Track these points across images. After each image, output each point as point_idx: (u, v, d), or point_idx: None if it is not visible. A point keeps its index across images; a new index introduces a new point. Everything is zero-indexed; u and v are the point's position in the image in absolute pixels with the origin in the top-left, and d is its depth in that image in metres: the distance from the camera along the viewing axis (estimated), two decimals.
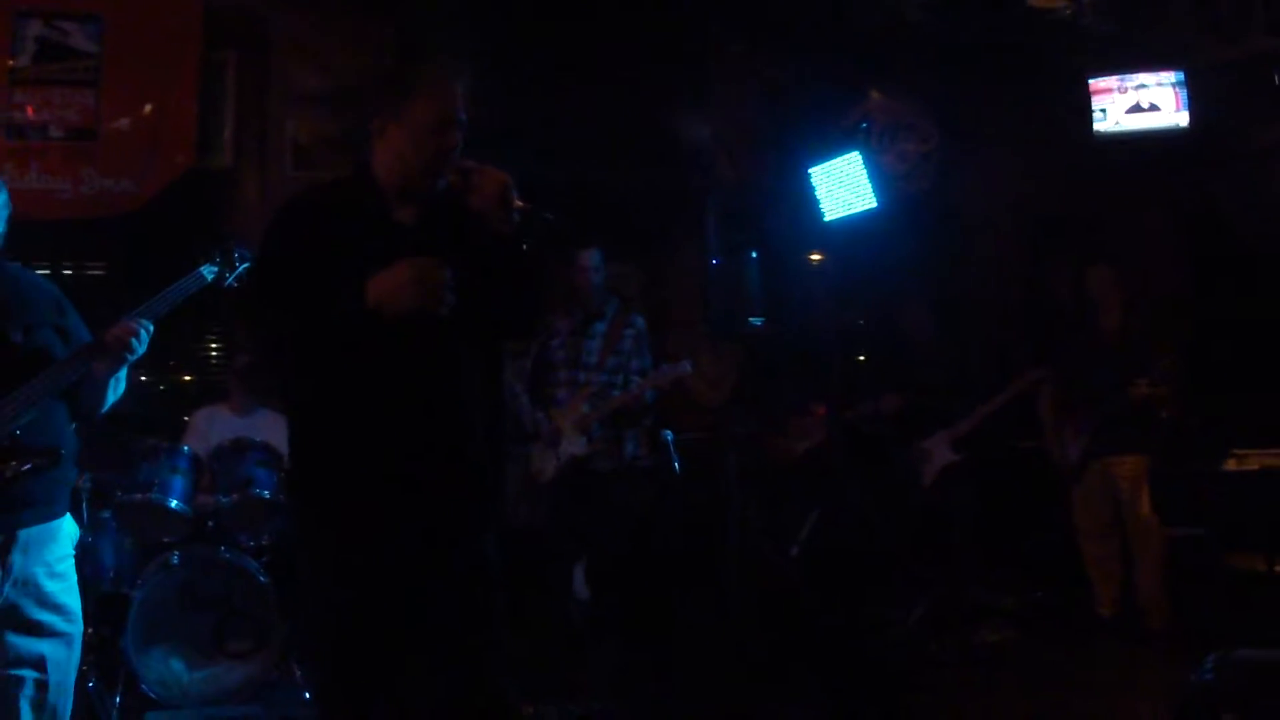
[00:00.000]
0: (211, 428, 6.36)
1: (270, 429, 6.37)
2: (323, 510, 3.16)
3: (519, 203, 3.13)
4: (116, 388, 3.60)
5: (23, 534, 3.36)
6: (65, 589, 3.52)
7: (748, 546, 6.12)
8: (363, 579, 3.06)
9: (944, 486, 7.04)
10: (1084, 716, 5.36)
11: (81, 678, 5.04)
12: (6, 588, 3.35)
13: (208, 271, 3.80)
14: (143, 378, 7.19)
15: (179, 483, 5.58)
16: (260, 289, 3.25)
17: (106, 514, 5.67)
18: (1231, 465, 7.06)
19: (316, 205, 3.27)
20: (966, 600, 6.78)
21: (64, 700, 3.53)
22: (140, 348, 3.43)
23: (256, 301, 3.22)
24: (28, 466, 3.29)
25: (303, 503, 3.25)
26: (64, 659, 3.51)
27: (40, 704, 3.46)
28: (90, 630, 5.44)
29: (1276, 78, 7.37)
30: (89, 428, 3.75)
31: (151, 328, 3.46)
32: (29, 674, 3.43)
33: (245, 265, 3.90)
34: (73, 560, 3.59)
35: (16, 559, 3.35)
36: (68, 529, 3.56)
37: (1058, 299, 8.90)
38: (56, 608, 3.47)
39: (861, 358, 8.17)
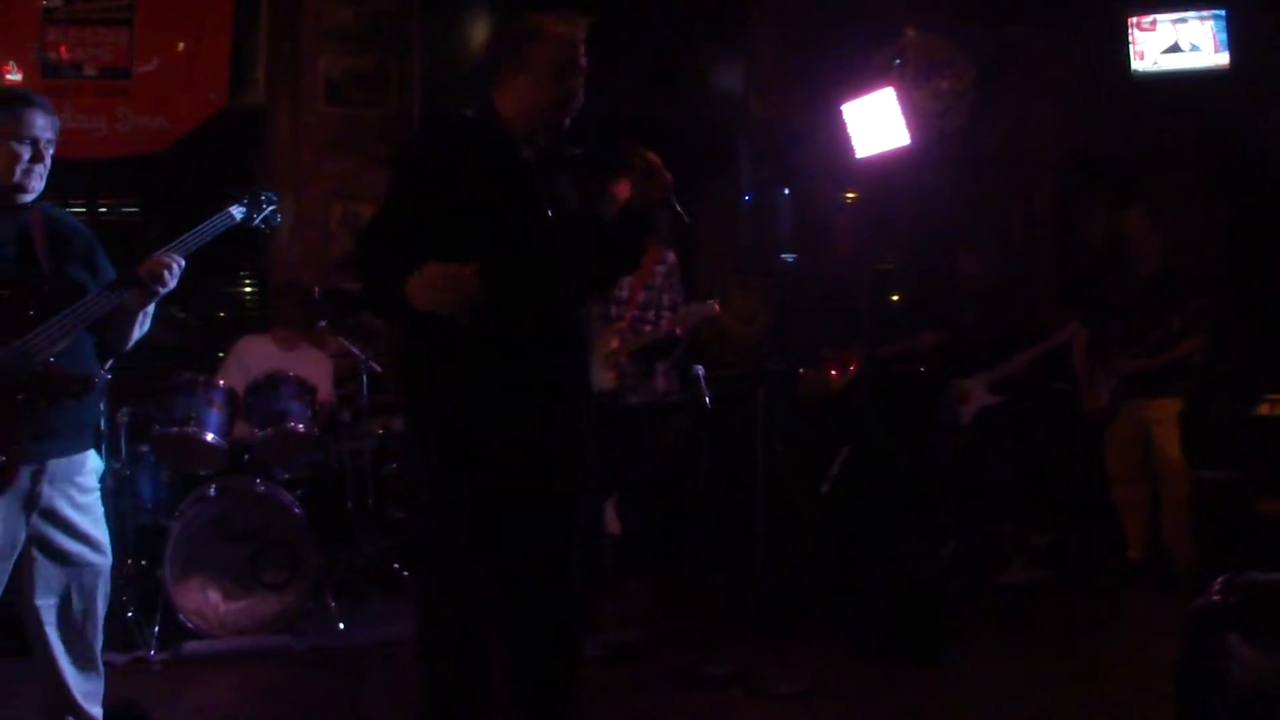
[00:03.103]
0: (253, 359, 6.42)
1: (309, 365, 6.43)
2: (442, 437, 3.33)
3: (677, 206, 3.38)
4: (143, 323, 3.65)
5: (51, 464, 3.42)
6: (92, 520, 3.59)
7: (778, 482, 6.14)
8: (479, 505, 3.27)
9: (980, 427, 7.03)
10: (1109, 657, 5.38)
11: (120, 607, 5.19)
12: (35, 517, 3.42)
13: (237, 211, 3.84)
14: (180, 315, 7.27)
15: (215, 416, 5.65)
16: (373, 239, 3.42)
17: (144, 447, 5.75)
18: (1264, 410, 7.02)
19: (448, 140, 3.43)
20: (996, 540, 6.80)
21: (94, 629, 3.60)
22: (172, 281, 3.47)
23: (369, 252, 3.40)
24: (64, 393, 3.36)
25: (421, 430, 3.44)
26: (93, 589, 3.57)
27: (71, 633, 3.53)
28: (129, 561, 5.57)
29: None
30: (120, 362, 3.81)
31: (183, 263, 3.50)
32: (60, 605, 3.50)
33: (271, 208, 3.96)
34: (99, 494, 3.66)
35: (44, 489, 3.42)
36: (92, 463, 3.62)
37: (1091, 240, 8.84)
38: (84, 537, 3.54)
39: (895, 296, 8.13)
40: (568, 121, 3.40)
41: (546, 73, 3.32)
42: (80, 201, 7.44)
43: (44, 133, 3.49)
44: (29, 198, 3.50)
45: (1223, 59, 7.65)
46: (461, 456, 3.28)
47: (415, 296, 3.06)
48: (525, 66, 3.34)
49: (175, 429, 5.55)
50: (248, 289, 7.89)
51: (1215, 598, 3.11)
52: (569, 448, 3.37)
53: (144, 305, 3.54)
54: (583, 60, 3.37)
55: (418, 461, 3.59)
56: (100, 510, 3.65)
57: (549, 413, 3.30)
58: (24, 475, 3.34)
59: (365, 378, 6.39)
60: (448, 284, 3.02)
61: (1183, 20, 7.75)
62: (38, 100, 3.53)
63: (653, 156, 3.38)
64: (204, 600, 5.44)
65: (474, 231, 3.22)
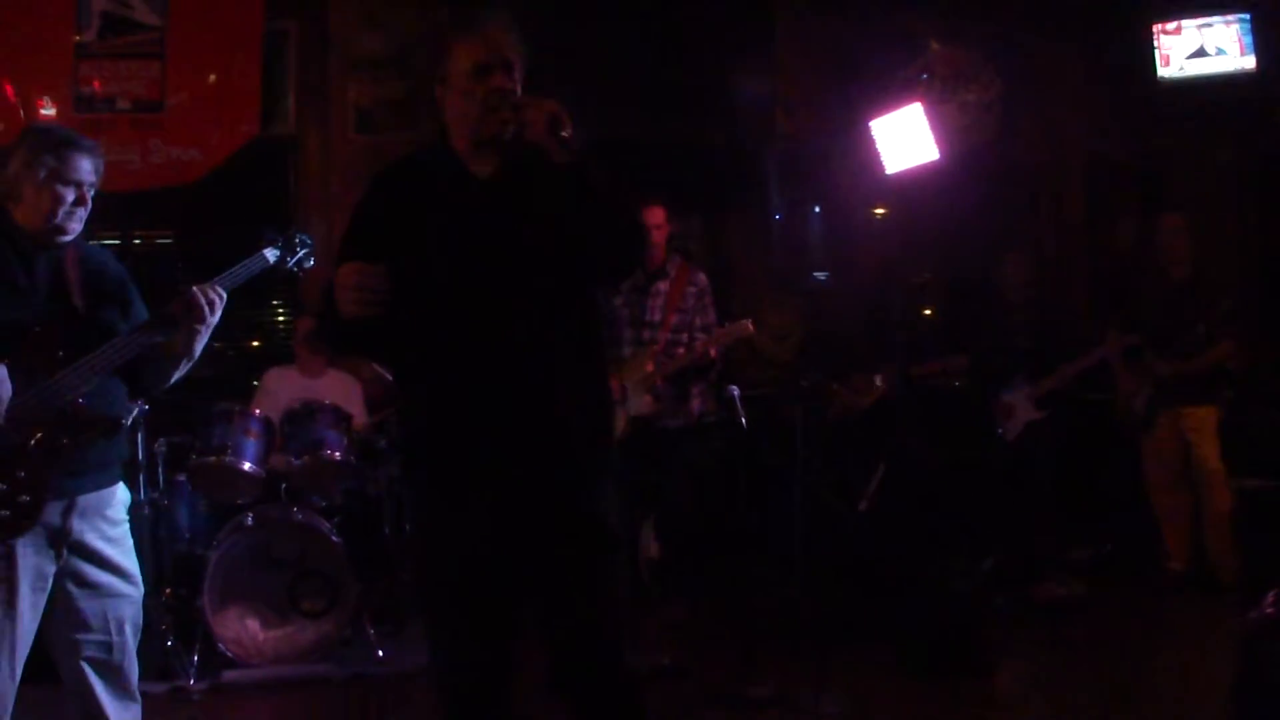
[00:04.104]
0: (281, 389, 6.46)
1: (339, 390, 6.47)
2: (427, 473, 3.20)
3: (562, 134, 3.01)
4: (188, 363, 3.64)
5: (80, 499, 3.44)
6: (123, 551, 3.59)
7: (815, 501, 6.12)
8: (467, 538, 3.09)
9: (1027, 443, 6.99)
10: (1154, 670, 5.34)
11: (160, 636, 5.22)
12: (65, 551, 3.44)
13: (270, 254, 3.84)
14: (215, 344, 7.30)
15: (251, 445, 5.67)
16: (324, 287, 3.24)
17: (181, 477, 5.78)
18: None
19: (399, 175, 3.31)
20: (1035, 554, 6.75)
21: (128, 661, 3.59)
22: (214, 315, 3.47)
23: (322, 298, 3.21)
24: (90, 434, 3.38)
25: (410, 466, 3.34)
26: (126, 620, 3.57)
27: (105, 665, 3.53)
28: (168, 590, 5.61)
29: None
30: (159, 397, 3.82)
31: (224, 295, 3.51)
32: (93, 637, 3.51)
33: (305, 250, 3.97)
34: (128, 526, 3.65)
35: (74, 523, 3.43)
36: (121, 495, 3.62)
37: (1122, 246, 8.80)
38: (115, 568, 3.54)
39: (927, 311, 8.11)
40: (511, 128, 3.10)
41: (465, 76, 3.10)
42: (114, 233, 7.51)
43: (89, 176, 3.49)
44: (67, 239, 3.52)
45: (1249, 62, 7.61)
46: (440, 491, 3.18)
47: (339, 305, 2.98)
48: (448, 77, 3.16)
49: (212, 458, 5.58)
50: (281, 318, 7.93)
51: (1269, 610, 3.09)
52: (562, 479, 3.13)
53: (190, 344, 3.54)
54: (503, 56, 3.11)
55: (409, 496, 3.51)
56: (130, 541, 3.65)
57: (522, 442, 3.08)
58: (53, 511, 3.35)
59: None
60: (354, 280, 2.95)
61: (1208, 25, 7.72)
62: (85, 144, 3.53)
63: (516, 100, 3.09)
64: (243, 629, 5.46)
65: (412, 263, 3.05)
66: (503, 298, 3.08)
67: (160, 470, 5.64)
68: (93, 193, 3.52)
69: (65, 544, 3.42)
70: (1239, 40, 7.60)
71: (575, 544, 3.13)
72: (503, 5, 3.24)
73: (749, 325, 6.02)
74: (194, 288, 3.45)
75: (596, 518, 3.17)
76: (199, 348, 3.59)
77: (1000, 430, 7.05)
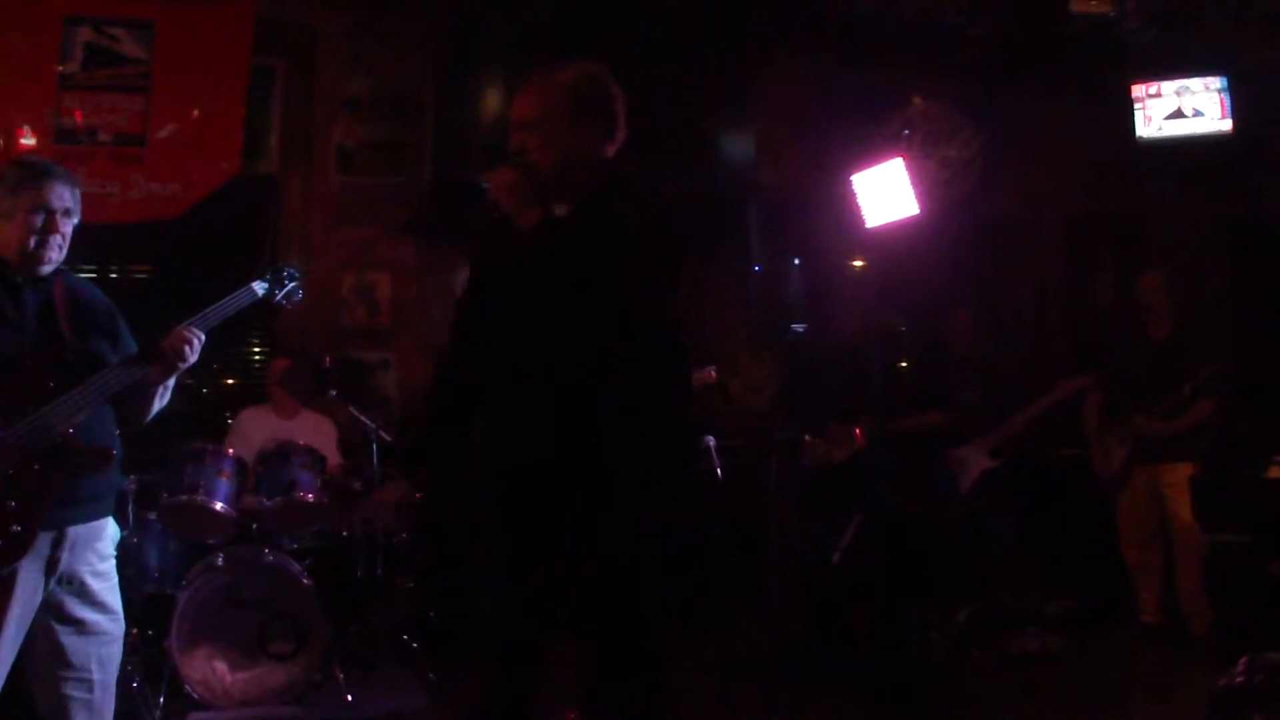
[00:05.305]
0: (254, 430, 6.42)
1: (313, 432, 6.44)
2: (483, 509, 3.29)
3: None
4: (163, 396, 3.67)
5: (71, 531, 3.42)
6: (109, 588, 3.58)
7: (790, 552, 6.11)
8: (513, 571, 3.19)
9: (982, 493, 7.01)
10: None
11: (126, 678, 5.13)
12: (53, 583, 3.41)
13: (259, 287, 3.86)
14: (188, 380, 7.27)
15: (224, 485, 5.63)
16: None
17: (152, 515, 5.73)
18: (1275, 473, 6.98)
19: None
20: (1008, 607, 6.75)
21: (108, 698, 3.58)
22: (193, 356, 3.50)
23: None
24: (82, 466, 3.36)
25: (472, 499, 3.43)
26: (108, 657, 3.56)
27: (86, 703, 3.50)
28: (134, 630, 5.52)
29: None
30: (133, 432, 3.81)
31: (203, 338, 3.52)
32: (75, 674, 3.47)
33: (293, 284, 3.99)
34: (114, 561, 3.65)
35: (64, 555, 3.41)
36: (111, 529, 3.63)
37: (1100, 304, 8.86)
38: (100, 605, 3.53)
39: (904, 364, 8.13)
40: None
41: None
42: (91, 266, 7.48)
43: (60, 202, 3.50)
44: (48, 268, 3.52)
45: (1226, 125, 7.70)
46: (495, 530, 3.25)
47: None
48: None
49: (184, 497, 5.53)
50: (257, 356, 7.89)
51: (1239, 679, 3.09)
52: (608, 522, 3.14)
53: (165, 379, 3.56)
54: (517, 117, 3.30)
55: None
56: (116, 578, 3.65)
57: (569, 487, 3.12)
58: (44, 542, 3.34)
59: (375, 447, 6.37)
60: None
61: (1187, 88, 7.81)
62: (57, 171, 3.55)
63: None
64: (210, 671, 5.39)
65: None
66: (548, 347, 3.17)
67: (130, 508, 5.58)
68: (69, 220, 3.52)
69: (54, 576, 3.40)
70: (1217, 103, 7.69)
71: (612, 585, 3.16)
72: (486, 63, 3.39)
73: (712, 373, 6.01)
74: (177, 328, 3.46)
75: (638, 589, 3.19)
76: (171, 385, 3.61)
77: (956, 484, 7.07)
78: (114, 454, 3.48)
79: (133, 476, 5.60)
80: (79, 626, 3.48)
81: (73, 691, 3.48)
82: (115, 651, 3.59)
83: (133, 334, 3.70)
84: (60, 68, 7.13)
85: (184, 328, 3.49)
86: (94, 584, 3.51)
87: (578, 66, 3.35)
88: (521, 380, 3.19)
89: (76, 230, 3.60)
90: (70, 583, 3.45)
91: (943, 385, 7.43)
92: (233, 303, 3.70)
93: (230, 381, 7.85)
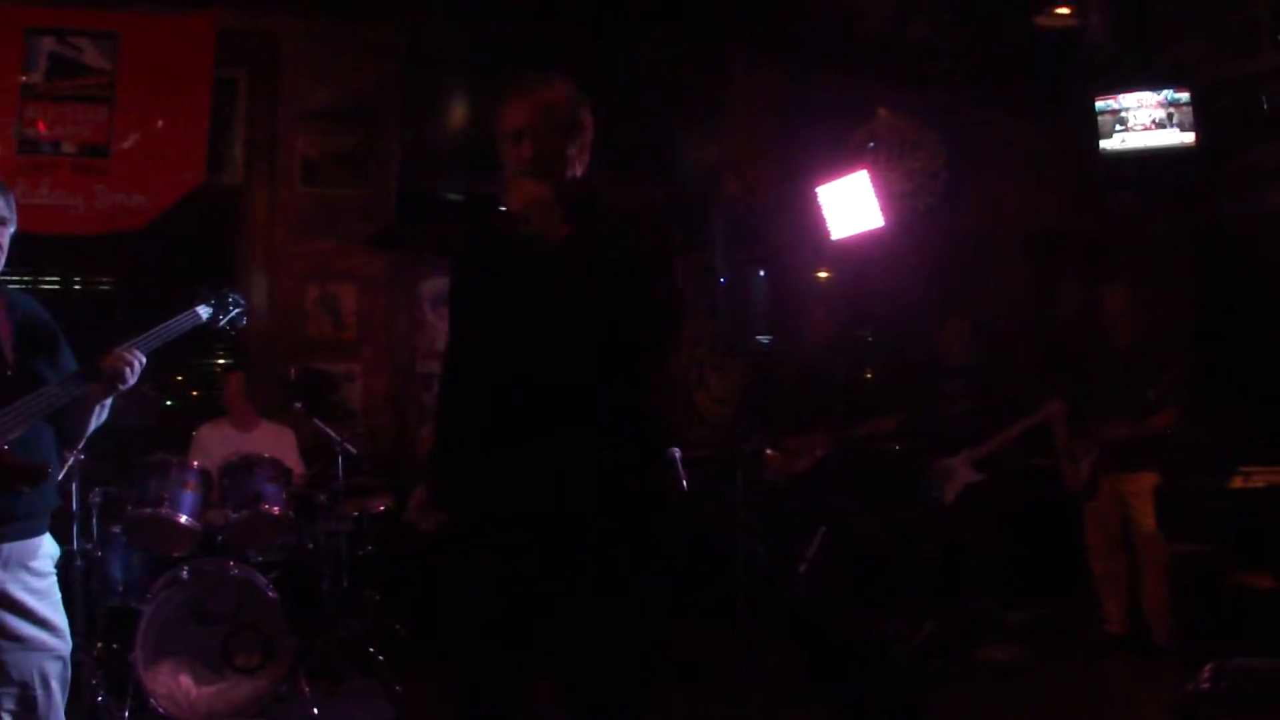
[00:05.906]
0: (214, 444, 6.40)
1: (272, 442, 6.42)
2: (460, 521, 3.31)
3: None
4: (100, 415, 3.61)
5: (4, 547, 3.37)
6: (50, 605, 3.51)
7: (755, 563, 6.11)
8: (495, 584, 3.17)
9: (965, 505, 7.04)
10: None
11: (90, 691, 5.11)
12: None
13: (203, 311, 3.81)
14: (152, 393, 7.22)
15: (189, 497, 5.61)
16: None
17: (116, 528, 5.69)
18: (1238, 483, 7.05)
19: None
20: (974, 616, 6.78)
21: (57, 715, 3.53)
22: (132, 378, 3.44)
23: None
24: (17, 482, 3.32)
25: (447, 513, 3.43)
26: (52, 676, 3.49)
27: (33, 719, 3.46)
28: (99, 644, 5.49)
29: None
30: (93, 442, 3.77)
31: (144, 360, 3.48)
32: (12, 690, 3.42)
33: (238, 310, 3.96)
34: (55, 578, 3.58)
35: None
36: (48, 547, 3.55)
37: (1064, 316, 8.91)
38: (42, 622, 3.46)
39: (868, 374, 8.14)
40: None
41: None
42: (54, 277, 7.43)
43: None
44: None
45: (1189, 138, 7.76)
46: (474, 543, 3.25)
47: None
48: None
49: (148, 510, 5.51)
50: (221, 368, 7.85)
51: (1204, 684, 3.11)
52: (588, 541, 3.11)
53: (103, 398, 3.51)
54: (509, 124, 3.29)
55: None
56: (58, 595, 3.57)
57: (547, 503, 3.10)
58: None
59: (340, 459, 6.35)
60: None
61: (1150, 101, 7.87)
62: None
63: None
64: (175, 685, 5.36)
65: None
66: (537, 368, 3.14)
67: (94, 521, 5.54)
68: (9, 231, 3.46)
69: None
70: (1182, 114, 7.75)
71: (589, 608, 3.14)
72: (451, 73, 3.37)
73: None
74: (117, 349, 3.42)
75: (624, 581, 3.17)
76: (109, 404, 3.56)
77: (938, 493, 7.10)
78: (49, 471, 3.41)
79: (97, 489, 5.56)
80: (18, 643, 3.40)
81: (11, 708, 3.42)
82: (59, 670, 3.51)
83: (85, 340, 3.65)
84: (23, 78, 7.08)
85: (125, 349, 3.43)
86: (30, 600, 3.43)
87: (557, 77, 3.35)
88: (522, 389, 3.15)
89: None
90: (5, 600, 3.38)
91: (911, 393, 7.44)
92: (175, 326, 3.65)
93: (195, 394, 7.80)
